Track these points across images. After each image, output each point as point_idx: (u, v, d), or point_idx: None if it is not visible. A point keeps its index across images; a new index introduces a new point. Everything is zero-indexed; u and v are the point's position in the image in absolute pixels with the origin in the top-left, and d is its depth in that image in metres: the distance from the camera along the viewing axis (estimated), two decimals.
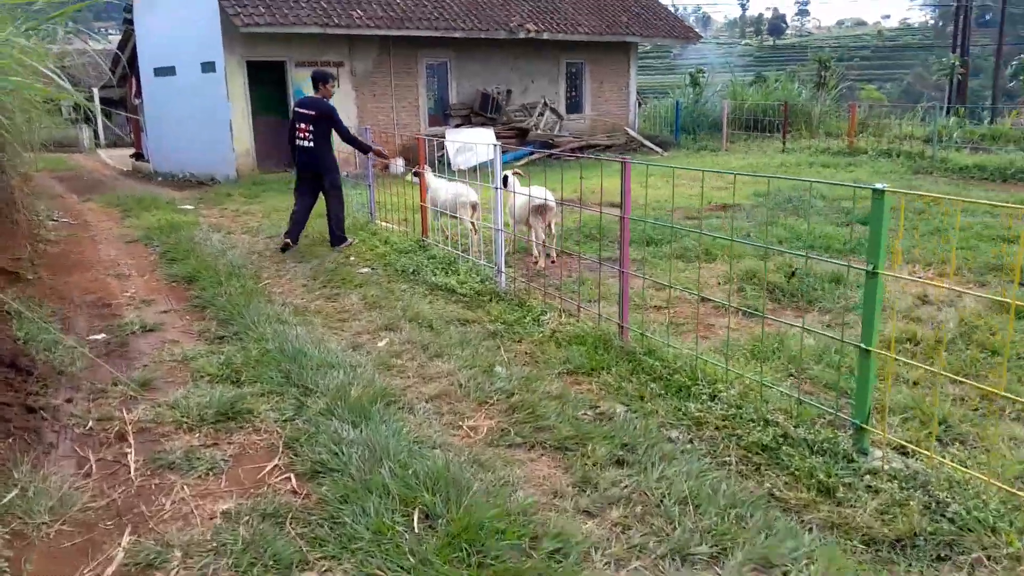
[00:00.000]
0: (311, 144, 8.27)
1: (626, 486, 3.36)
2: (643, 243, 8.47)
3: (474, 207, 8.47)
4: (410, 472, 3.32)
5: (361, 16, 15.61)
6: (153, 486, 3.43)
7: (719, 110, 22.34)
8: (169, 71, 17.19)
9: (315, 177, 8.42)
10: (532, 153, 16.93)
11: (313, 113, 8.21)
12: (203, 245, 8.58)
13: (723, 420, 3.94)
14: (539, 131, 18.40)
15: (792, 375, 4.73)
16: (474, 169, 8.86)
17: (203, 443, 3.82)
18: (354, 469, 3.39)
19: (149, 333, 5.70)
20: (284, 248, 8.37)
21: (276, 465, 3.61)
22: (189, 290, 6.92)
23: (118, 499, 3.32)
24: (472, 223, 8.31)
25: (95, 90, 29.46)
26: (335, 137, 8.44)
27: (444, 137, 16.02)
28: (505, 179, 8.37)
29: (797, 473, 3.46)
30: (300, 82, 15.76)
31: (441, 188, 8.51)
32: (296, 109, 8.41)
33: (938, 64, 42.34)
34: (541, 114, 18.76)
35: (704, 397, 4.18)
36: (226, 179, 15.31)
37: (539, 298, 6.18)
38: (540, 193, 7.86)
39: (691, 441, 3.82)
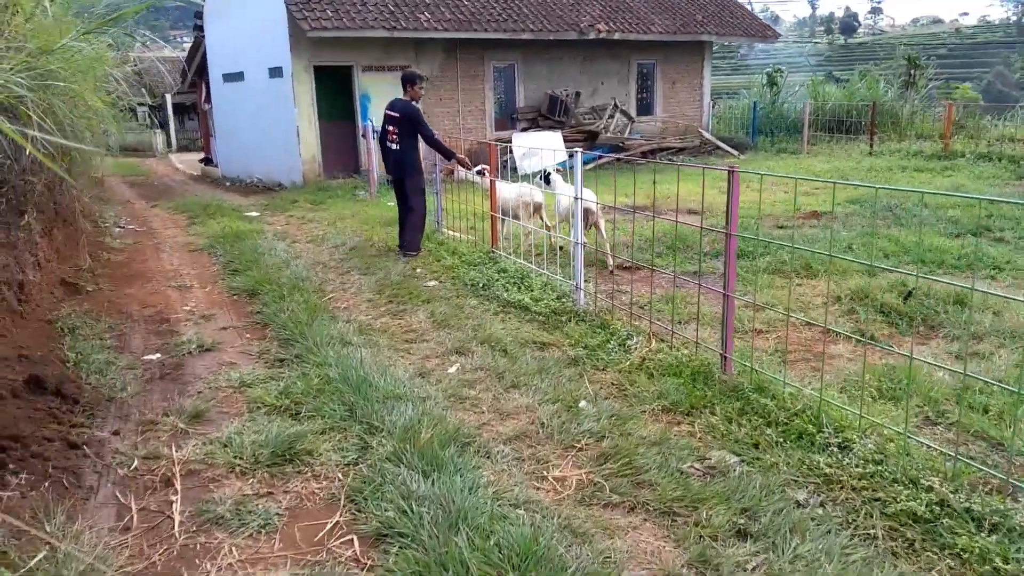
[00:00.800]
0: (398, 147, 8.12)
1: (754, 568, 2.77)
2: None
3: (537, 208, 8.04)
4: (492, 543, 2.80)
5: (428, 19, 15.26)
6: (198, 546, 2.99)
7: (797, 111, 21.31)
8: (237, 76, 17.18)
9: (401, 180, 8.24)
10: (600, 157, 16.32)
11: (398, 115, 8.05)
12: (267, 255, 8.27)
13: (859, 479, 3.31)
14: (609, 133, 17.76)
15: (930, 419, 4.05)
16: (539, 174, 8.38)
17: (256, 491, 3.37)
18: (426, 535, 2.89)
19: (206, 353, 5.33)
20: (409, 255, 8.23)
21: (337, 523, 3.13)
22: (251, 304, 6.57)
23: (158, 563, 2.89)
24: (544, 222, 7.98)
25: (167, 96, 30.05)
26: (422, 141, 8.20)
27: (511, 142, 15.55)
28: (547, 177, 8.01)
29: (965, 556, 2.81)
30: (367, 86, 15.53)
31: (504, 190, 8.08)
32: (386, 111, 8.27)
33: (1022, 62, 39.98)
34: (611, 116, 18.12)
35: (833, 448, 3.55)
36: (292, 185, 15.15)
37: (624, 319, 5.60)
38: (583, 195, 7.50)
39: (822, 505, 3.20)
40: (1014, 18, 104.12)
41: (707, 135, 19.69)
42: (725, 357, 4.48)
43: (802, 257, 7.29)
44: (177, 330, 5.94)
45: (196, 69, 20.46)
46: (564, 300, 6.16)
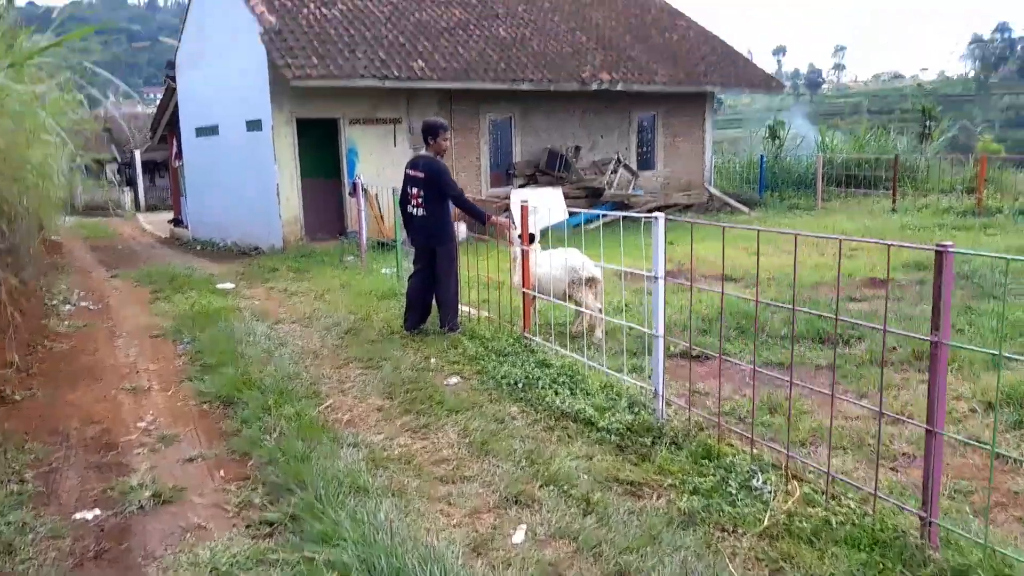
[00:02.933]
0: (423, 212, 6.77)
1: None
2: (815, 339, 6.48)
3: (591, 282, 6.69)
4: None
5: (423, 68, 14.07)
6: None
7: (803, 164, 20.39)
8: (212, 131, 15.83)
9: (430, 250, 6.90)
10: (604, 215, 15.10)
11: (423, 176, 6.70)
12: (245, 343, 6.77)
13: None
14: (613, 190, 16.59)
15: None
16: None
17: None
18: None
19: (163, 507, 3.82)
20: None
21: None
22: (225, 418, 5.07)
23: None
24: (597, 303, 6.67)
25: (137, 152, 28.61)
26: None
27: (508, 198, 14.28)
28: (533, 237, 6.64)
29: None
30: (354, 141, 14.25)
31: (545, 262, 6.71)
32: (406, 171, 6.93)
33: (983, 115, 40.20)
34: (615, 172, 16.98)
35: None
36: (271, 249, 13.68)
37: (735, 442, 4.18)
38: (579, 260, 6.62)
39: None
40: (971, 73, 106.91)
41: (714, 191, 18.63)
42: (929, 523, 3.07)
43: (906, 341, 5.97)
44: (127, 462, 4.42)
45: (167, 123, 19.09)
46: (638, 410, 4.74)
